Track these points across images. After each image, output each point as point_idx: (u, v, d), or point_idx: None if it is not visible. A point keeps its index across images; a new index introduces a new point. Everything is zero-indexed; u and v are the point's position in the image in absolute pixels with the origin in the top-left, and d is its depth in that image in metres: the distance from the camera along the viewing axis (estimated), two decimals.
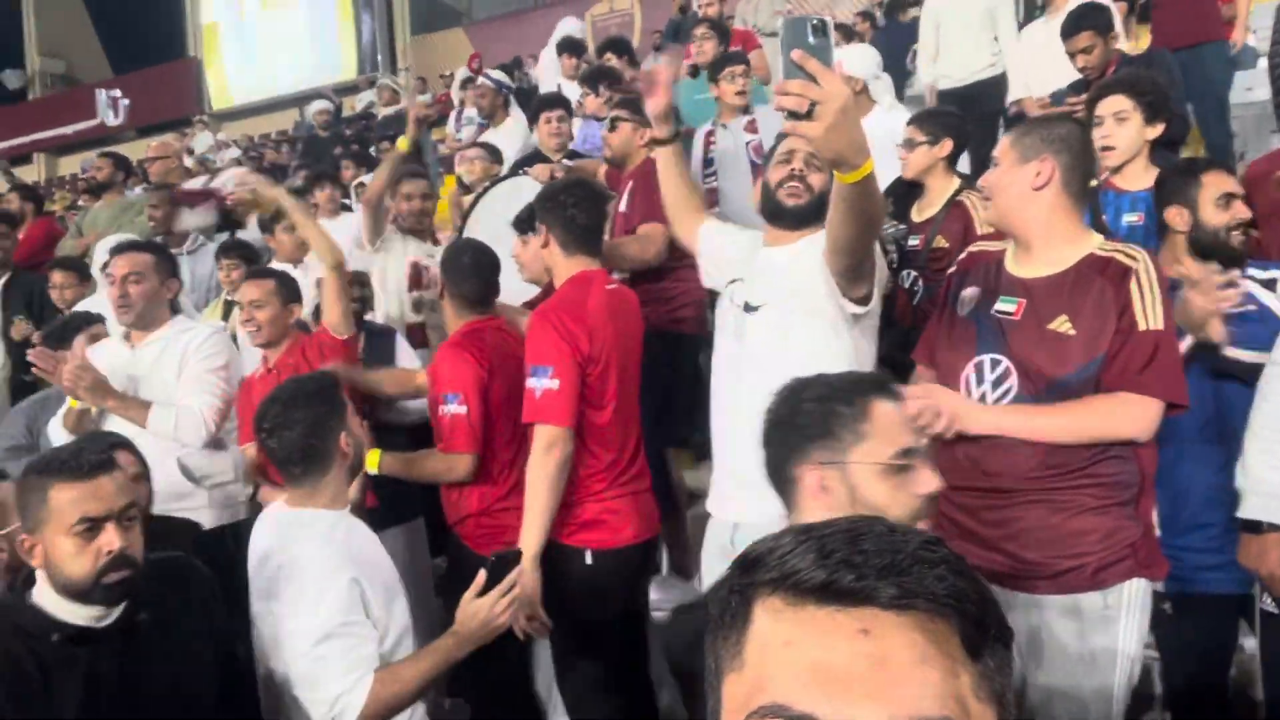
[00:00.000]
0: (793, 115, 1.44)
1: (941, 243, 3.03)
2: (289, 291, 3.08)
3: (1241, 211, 2.25)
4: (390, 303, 3.78)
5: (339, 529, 1.97)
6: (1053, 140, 1.89)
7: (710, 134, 4.12)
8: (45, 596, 1.66)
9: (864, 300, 2.07)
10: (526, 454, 2.39)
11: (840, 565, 0.61)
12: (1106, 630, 1.82)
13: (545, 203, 2.53)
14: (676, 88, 2.61)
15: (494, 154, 4.83)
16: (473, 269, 2.73)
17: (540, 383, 2.34)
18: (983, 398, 1.88)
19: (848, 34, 5.38)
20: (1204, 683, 2.14)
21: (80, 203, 9.55)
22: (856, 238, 1.87)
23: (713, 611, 0.67)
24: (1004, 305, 1.91)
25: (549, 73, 6.81)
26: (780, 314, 2.18)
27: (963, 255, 2.09)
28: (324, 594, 1.83)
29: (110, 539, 1.62)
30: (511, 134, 5.47)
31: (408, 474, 2.66)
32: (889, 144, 3.23)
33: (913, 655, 0.59)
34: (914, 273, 3.09)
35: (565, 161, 4.03)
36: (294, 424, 1.96)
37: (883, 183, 3.13)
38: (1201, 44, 4.30)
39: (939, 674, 0.59)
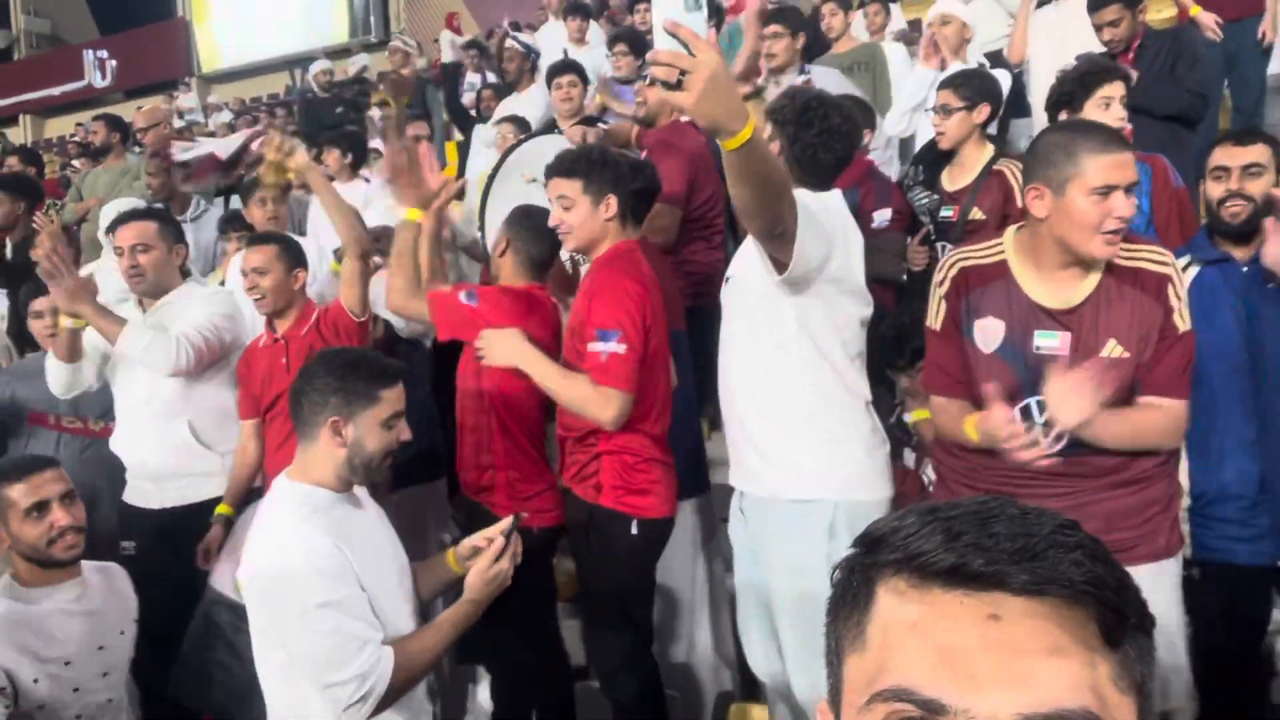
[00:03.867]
0: (666, 85, 1.44)
1: (978, 215, 2.98)
2: (293, 256, 3.02)
3: (1235, 183, 2.23)
4: None
5: (318, 499, 1.90)
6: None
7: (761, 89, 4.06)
8: None
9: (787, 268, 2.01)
10: None
11: (970, 548, 0.59)
12: (1177, 596, 1.87)
13: (609, 171, 2.46)
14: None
15: (522, 125, 4.72)
16: (546, 232, 2.63)
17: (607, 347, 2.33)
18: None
19: None
20: (1233, 653, 2.17)
21: (75, 165, 9.39)
22: (756, 201, 1.81)
23: (833, 591, 0.66)
24: (1045, 340, 1.88)
25: (551, 37, 6.74)
26: (742, 287, 2.24)
27: (952, 271, 2.02)
28: (316, 562, 1.78)
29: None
30: (534, 100, 5.42)
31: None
32: None
33: (1046, 643, 0.57)
34: (949, 245, 2.99)
35: (602, 125, 3.97)
36: (311, 376, 1.93)
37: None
38: (1244, 18, 4.27)
39: (1075, 664, 0.57)
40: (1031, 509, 0.63)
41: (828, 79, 3.74)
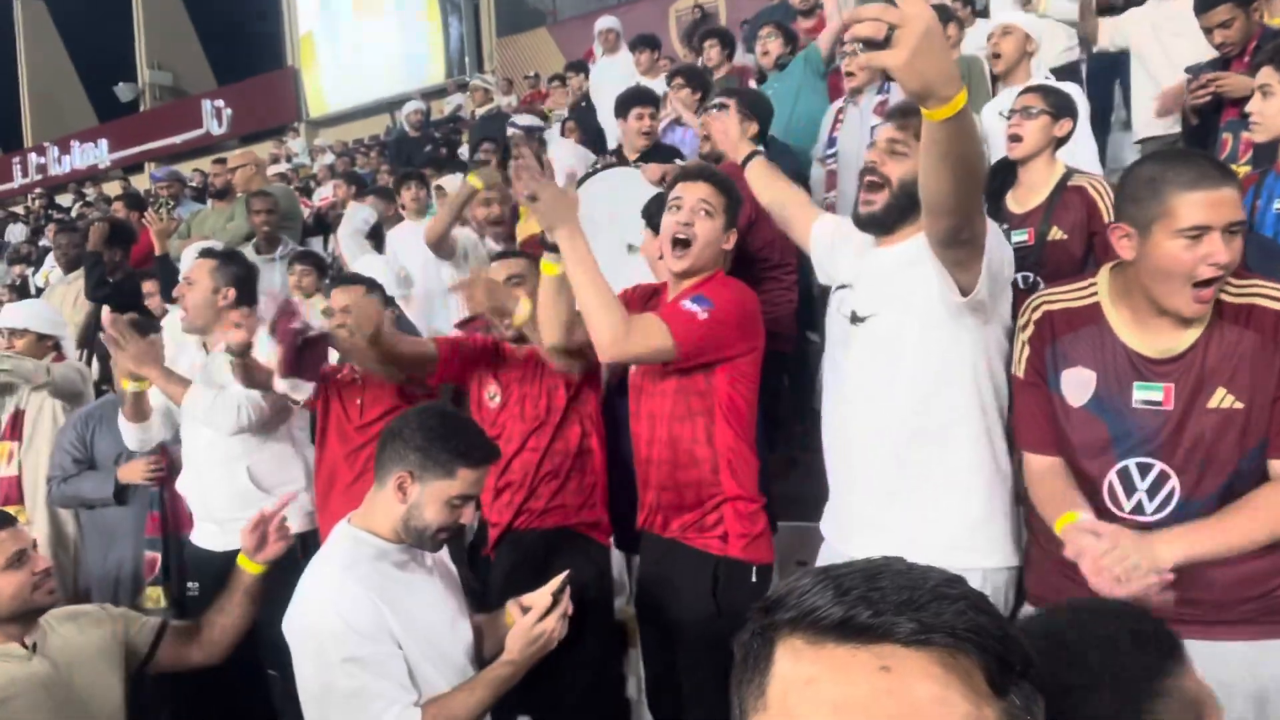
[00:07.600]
0: (870, 45, 1.27)
1: (1058, 234, 2.72)
2: (379, 297, 3.07)
3: None
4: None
5: (371, 549, 1.86)
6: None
7: (841, 110, 3.94)
8: None
9: (971, 289, 1.77)
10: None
11: (858, 602, 0.62)
12: None
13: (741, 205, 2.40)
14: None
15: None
16: None
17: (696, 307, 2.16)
18: (1138, 507, 1.66)
19: (944, 15, 5.15)
20: None
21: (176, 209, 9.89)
22: (954, 192, 1.55)
23: (736, 655, 0.68)
24: (1146, 394, 1.65)
25: (607, 80, 6.74)
26: (890, 324, 1.95)
27: (1036, 314, 1.79)
28: (347, 614, 1.74)
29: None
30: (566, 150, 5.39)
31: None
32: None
33: (933, 691, 0.59)
34: (1029, 273, 2.74)
35: (678, 161, 3.88)
36: (404, 423, 1.86)
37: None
38: None
39: (961, 711, 0.59)
40: (919, 566, 0.65)
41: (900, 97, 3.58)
